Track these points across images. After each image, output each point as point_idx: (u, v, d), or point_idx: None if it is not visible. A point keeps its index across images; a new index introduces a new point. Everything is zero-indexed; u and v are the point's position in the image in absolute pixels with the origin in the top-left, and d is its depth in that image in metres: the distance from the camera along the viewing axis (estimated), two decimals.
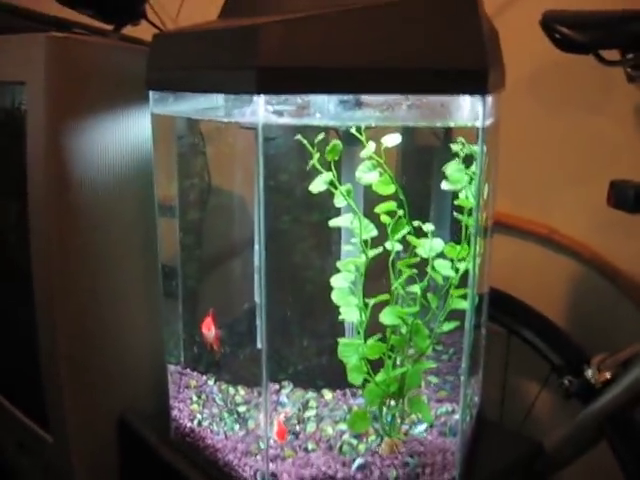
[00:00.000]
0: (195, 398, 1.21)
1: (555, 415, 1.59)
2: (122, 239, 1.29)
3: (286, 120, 0.89)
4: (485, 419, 1.29)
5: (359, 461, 1.05)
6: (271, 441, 1.08)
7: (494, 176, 1.18)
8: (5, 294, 1.58)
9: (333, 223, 0.97)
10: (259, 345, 1.09)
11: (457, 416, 1.17)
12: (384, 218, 0.99)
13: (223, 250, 1.32)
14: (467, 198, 0.98)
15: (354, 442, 1.11)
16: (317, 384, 1.29)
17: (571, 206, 1.56)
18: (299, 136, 0.93)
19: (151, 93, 1.06)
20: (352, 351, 1.00)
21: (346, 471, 1.03)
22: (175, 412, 1.20)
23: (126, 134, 1.25)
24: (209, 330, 1.14)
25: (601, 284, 1.54)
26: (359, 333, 1.01)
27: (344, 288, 0.97)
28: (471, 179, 0.97)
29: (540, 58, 1.53)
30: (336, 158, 0.94)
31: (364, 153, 0.98)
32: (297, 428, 1.16)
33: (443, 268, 1.02)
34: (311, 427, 1.16)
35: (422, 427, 1.15)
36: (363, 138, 0.97)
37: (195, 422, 1.17)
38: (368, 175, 1.00)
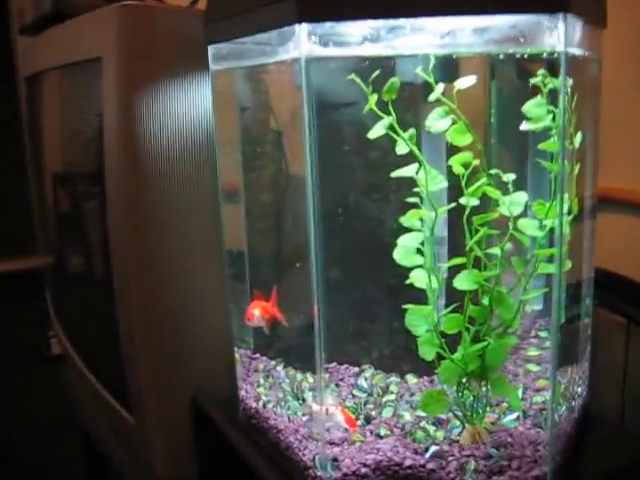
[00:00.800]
0: (262, 381, 1.13)
1: None
2: (198, 216, 1.24)
3: (333, 51, 0.80)
4: (595, 415, 1.12)
5: (433, 449, 0.92)
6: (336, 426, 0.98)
7: (593, 127, 1.02)
8: (89, 279, 1.61)
9: (396, 174, 0.86)
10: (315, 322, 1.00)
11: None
12: (457, 169, 0.87)
13: (291, 229, 1.24)
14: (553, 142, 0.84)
15: (431, 429, 0.98)
16: (403, 369, 1.17)
17: None
18: (353, 75, 0.83)
19: (209, 48, 1.01)
20: (421, 320, 0.88)
21: (417, 459, 0.91)
22: (242, 393, 1.13)
23: (200, 103, 1.21)
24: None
25: None
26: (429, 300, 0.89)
27: (409, 247, 0.85)
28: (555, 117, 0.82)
29: None
30: (393, 97, 0.83)
31: (432, 97, 0.86)
32: (372, 413, 1.05)
33: (528, 228, 0.87)
34: (387, 412, 1.05)
35: (513, 416, 1.01)
36: (431, 79, 0.86)
37: (260, 403, 1.09)
38: (439, 123, 0.88)
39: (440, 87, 0.86)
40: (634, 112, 1.35)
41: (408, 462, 0.90)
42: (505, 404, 1.02)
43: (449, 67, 0.94)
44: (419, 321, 0.88)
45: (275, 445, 1.02)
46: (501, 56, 0.88)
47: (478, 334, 0.92)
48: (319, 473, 0.91)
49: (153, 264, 1.24)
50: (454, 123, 0.89)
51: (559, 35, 0.76)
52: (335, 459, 0.92)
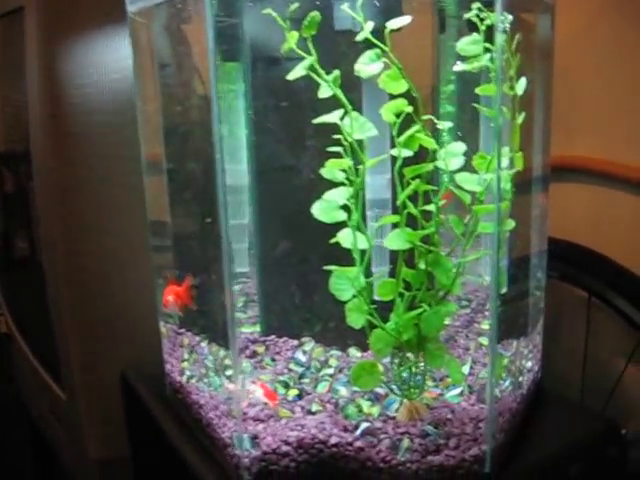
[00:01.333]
0: (186, 356, 1.05)
1: None
2: (124, 181, 1.15)
3: None
4: (550, 391, 1.04)
5: (363, 425, 0.84)
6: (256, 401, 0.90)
7: (545, 77, 0.94)
8: (31, 259, 1.52)
9: (318, 120, 0.77)
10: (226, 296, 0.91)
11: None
12: (387, 116, 0.78)
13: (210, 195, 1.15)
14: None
15: (366, 404, 0.90)
16: (347, 342, 1.09)
17: None
18: (269, 10, 0.74)
19: None
20: (347, 283, 0.79)
21: (344, 436, 0.83)
22: (168, 367, 1.05)
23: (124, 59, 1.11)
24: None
25: None
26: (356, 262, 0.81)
27: (331, 201, 0.77)
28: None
29: None
30: (313, 33, 0.74)
31: (360, 36, 0.78)
32: (307, 388, 0.97)
33: (467, 182, 0.79)
34: (323, 387, 0.97)
35: (456, 391, 0.93)
36: (360, 17, 0.77)
37: (184, 378, 1.01)
38: (369, 67, 0.79)
39: (369, 25, 0.77)
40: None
41: (334, 440, 0.82)
42: (450, 379, 0.94)
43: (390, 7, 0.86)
44: (345, 285, 0.79)
45: (198, 421, 0.94)
46: None
47: (415, 301, 0.84)
48: (237, 451, 0.83)
49: (79, 230, 1.16)
50: (388, 68, 0.80)
51: None
52: (255, 437, 0.84)
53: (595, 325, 1.28)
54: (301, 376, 1.00)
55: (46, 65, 1.09)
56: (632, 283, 1.16)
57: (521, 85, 0.79)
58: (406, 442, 0.82)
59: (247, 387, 0.89)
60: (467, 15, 0.73)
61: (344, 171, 0.77)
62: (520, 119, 0.80)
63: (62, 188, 1.12)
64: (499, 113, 0.72)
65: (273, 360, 1.05)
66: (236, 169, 1.02)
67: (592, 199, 1.37)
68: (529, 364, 1.00)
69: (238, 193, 1.04)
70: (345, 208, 0.79)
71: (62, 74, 1.09)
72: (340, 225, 0.79)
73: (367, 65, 0.80)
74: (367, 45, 0.80)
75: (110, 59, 1.10)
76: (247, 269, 1.17)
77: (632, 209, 1.31)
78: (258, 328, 1.13)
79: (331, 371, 1.01)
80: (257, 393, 0.87)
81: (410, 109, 0.79)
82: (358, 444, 0.82)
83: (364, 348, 1.05)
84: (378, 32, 0.78)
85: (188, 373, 1.01)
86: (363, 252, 0.81)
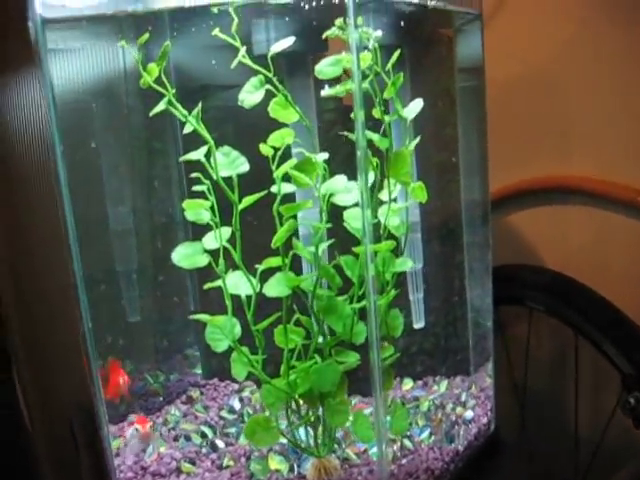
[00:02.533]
0: None
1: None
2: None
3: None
4: (504, 442, 0.93)
5: None
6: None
7: (470, 102, 0.85)
8: None
9: (184, 158, 0.71)
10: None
11: (425, 434, 0.85)
12: (265, 149, 0.72)
13: None
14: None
15: (277, 459, 0.83)
16: None
17: None
18: (123, 42, 0.69)
19: None
20: (220, 333, 0.72)
21: None
22: None
23: None
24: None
25: None
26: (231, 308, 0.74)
27: (195, 245, 0.70)
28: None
29: None
30: (163, 64, 0.68)
31: (234, 63, 0.72)
32: (230, 439, 0.90)
33: (353, 219, 0.71)
34: (244, 438, 0.90)
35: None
36: (237, 41, 0.71)
37: None
38: (252, 96, 0.73)
39: (243, 50, 0.71)
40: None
41: None
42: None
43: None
44: (219, 335, 0.72)
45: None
46: None
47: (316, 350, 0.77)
48: None
49: None
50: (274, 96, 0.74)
51: None
52: None
53: (584, 363, 1.15)
54: (228, 425, 0.94)
55: None
56: (619, 325, 1.03)
57: (413, 107, 0.71)
58: None
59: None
60: (327, 33, 0.66)
61: (212, 211, 0.70)
62: (411, 145, 0.71)
63: None
64: (362, 139, 0.64)
65: (205, 407, 0.99)
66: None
67: (589, 222, 1.24)
68: (469, 413, 0.89)
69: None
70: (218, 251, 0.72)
71: None
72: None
73: (250, 94, 0.74)
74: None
75: None
76: None
77: (631, 233, 1.17)
78: (199, 370, 1.08)
79: None
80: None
81: (290, 140, 0.72)
82: None
83: None
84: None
85: None
86: (250, 298, 0.74)
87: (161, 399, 1.01)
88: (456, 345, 0.90)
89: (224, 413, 0.98)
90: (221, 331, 0.72)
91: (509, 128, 1.28)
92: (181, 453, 0.86)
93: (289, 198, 0.73)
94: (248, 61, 0.71)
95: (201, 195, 0.71)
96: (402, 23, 0.76)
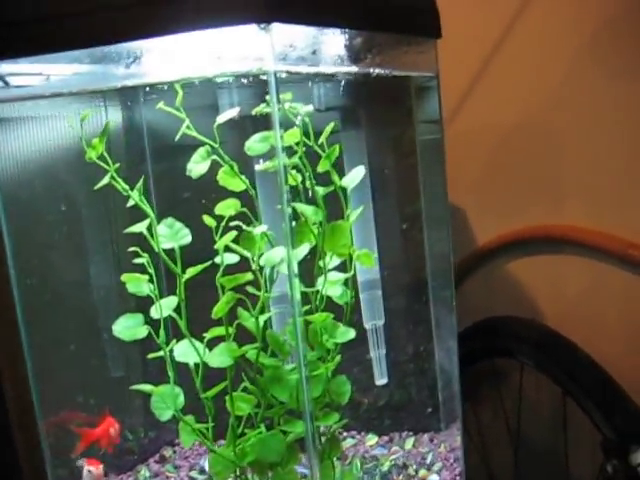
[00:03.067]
0: None
1: None
2: None
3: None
4: None
5: None
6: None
7: (425, 163, 0.84)
8: None
9: (128, 230, 0.72)
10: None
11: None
12: (208, 220, 0.72)
13: None
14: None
15: None
16: None
17: None
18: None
19: None
20: (165, 402, 0.72)
21: None
22: None
23: None
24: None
25: None
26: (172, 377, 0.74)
27: (135, 316, 0.71)
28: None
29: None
30: (104, 140, 0.70)
31: (179, 134, 0.73)
32: None
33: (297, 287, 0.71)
34: None
35: None
36: (181, 113, 0.72)
37: None
38: (199, 166, 0.74)
39: (186, 122, 0.72)
40: None
41: None
42: None
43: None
44: (163, 404, 0.72)
45: None
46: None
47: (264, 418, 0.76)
48: None
49: None
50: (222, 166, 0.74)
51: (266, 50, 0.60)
52: None
53: (575, 418, 1.11)
54: None
55: None
56: (602, 386, 0.99)
57: (355, 176, 0.70)
58: None
59: None
60: (257, 109, 0.66)
61: (152, 283, 0.71)
62: (353, 215, 0.71)
63: None
64: (287, 211, 0.63)
65: (176, 467, 0.99)
66: None
67: (582, 272, 1.21)
68: (434, 478, 0.87)
69: None
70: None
71: None
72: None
73: (198, 164, 0.74)
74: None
75: None
76: None
77: (623, 284, 1.14)
78: None
79: None
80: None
81: (237, 209, 0.73)
82: None
83: None
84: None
85: None
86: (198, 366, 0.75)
87: (135, 457, 1.01)
88: (422, 402, 0.88)
89: (194, 474, 0.97)
90: (164, 401, 0.72)
91: (502, 177, 1.27)
92: None
93: (233, 268, 0.73)
94: (193, 132, 0.73)
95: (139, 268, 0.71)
96: (352, 89, 0.77)
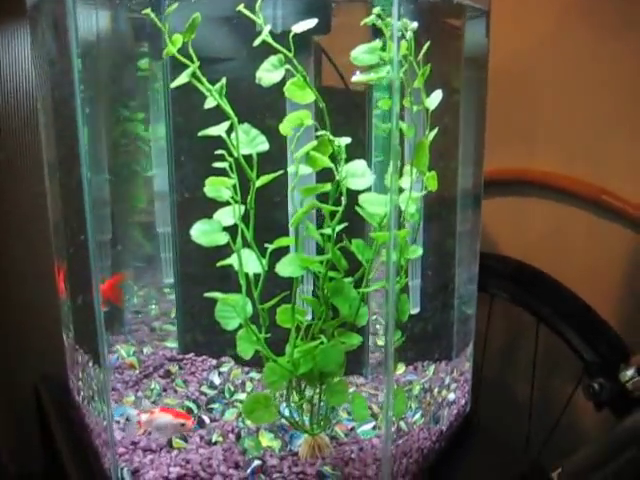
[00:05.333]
0: (80, 375, 0.98)
1: (590, 421, 1.21)
2: (29, 191, 1.09)
3: None
4: (480, 427, 0.97)
5: (255, 464, 0.78)
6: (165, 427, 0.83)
7: (473, 92, 0.87)
8: None
9: (203, 133, 0.70)
10: None
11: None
12: (285, 129, 0.72)
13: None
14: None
15: (268, 437, 0.84)
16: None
17: (625, 162, 1.19)
18: (148, 10, 0.67)
19: None
20: (232, 311, 0.72)
21: (231, 475, 0.76)
22: (70, 384, 0.99)
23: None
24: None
25: None
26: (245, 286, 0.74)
27: (213, 222, 0.70)
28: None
29: None
30: (192, 37, 0.67)
31: (257, 41, 0.71)
32: (215, 414, 0.90)
33: (372, 204, 0.72)
34: (231, 414, 0.91)
35: (368, 426, 0.86)
36: (260, 19, 0.70)
37: (80, 398, 0.94)
38: (271, 74, 0.72)
39: (267, 28, 0.70)
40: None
41: (218, 478, 0.76)
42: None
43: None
44: (230, 313, 0.72)
45: (90, 446, 0.88)
46: None
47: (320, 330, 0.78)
48: None
49: None
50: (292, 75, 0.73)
51: None
52: (136, 470, 0.78)
53: (546, 350, 1.21)
54: (210, 401, 0.94)
55: None
56: (584, 314, 1.09)
57: (434, 98, 0.72)
58: None
59: (136, 418, 0.82)
60: (365, 20, 0.66)
61: (233, 188, 0.70)
62: (431, 136, 0.73)
63: None
64: (395, 128, 0.65)
65: (185, 382, 0.99)
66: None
67: (551, 215, 1.30)
68: (452, 396, 0.93)
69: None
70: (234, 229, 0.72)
71: None
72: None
73: (269, 72, 0.73)
74: None
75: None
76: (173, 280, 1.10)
77: (588, 228, 1.24)
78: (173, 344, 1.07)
79: (244, 396, 0.95)
80: (161, 419, 0.80)
81: (310, 122, 0.72)
82: None
83: None
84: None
85: (82, 393, 0.94)
86: (258, 276, 0.74)
87: (137, 372, 1.00)
88: (443, 331, 0.93)
89: (204, 388, 0.97)
90: (233, 309, 0.71)
91: None
92: None
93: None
94: (270, 40, 0.71)
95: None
96: (423, 15, 0.77)
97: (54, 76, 0.83)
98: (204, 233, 0.69)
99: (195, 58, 0.68)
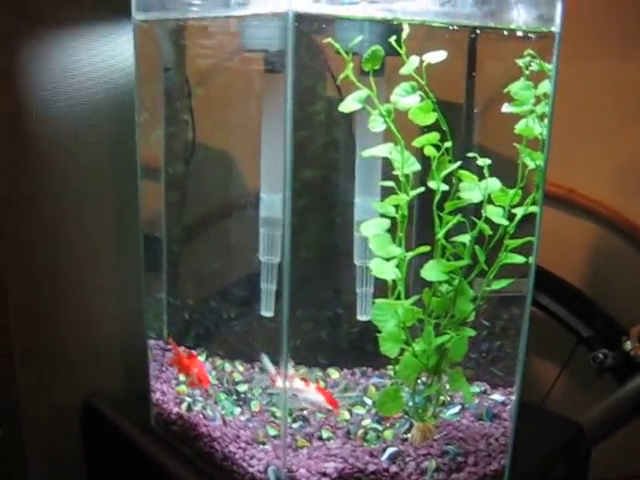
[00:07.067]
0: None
1: (578, 395, 1.43)
2: (89, 194, 1.06)
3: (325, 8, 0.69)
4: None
5: (390, 450, 0.86)
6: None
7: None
8: None
9: (367, 153, 0.77)
10: (264, 311, 0.91)
11: (497, 397, 1.01)
12: (429, 150, 0.80)
13: (214, 209, 1.11)
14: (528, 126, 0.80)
15: (380, 428, 0.92)
16: (320, 362, 1.10)
17: (592, 163, 1.40)
18: (330, 39, 0.73)
19: None
20: (389, 314, 0.80)
21: (377, 463, 0.84)
22: (157, 395, 0.99)
23: (107, 60, 1.02)
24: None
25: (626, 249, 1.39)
26: (394, 293, 0.82)
27: (384, 237, 0.77)
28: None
29: None
30: (377, 67, 0.74)
31: (404, 69, 0.79)
32: (305, 413, 0.96)
33: (495, 215, 0.83)
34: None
35: (454, 409, 0.98)
36: (403, 51, 0.78)
37: (183, 407, 0.96)
38: (406, 99, 0.80)
39: (414, 60, 0.78)
40: None
41: (371, 467, 0.83)
42: (442, 397, 0.98)
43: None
44: (387, 316, 0.80)
45: (207, 456, 0.90)
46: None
47: (437, 327, 0.87)
48: None
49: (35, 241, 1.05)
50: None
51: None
52: (290, 469, 0.83)
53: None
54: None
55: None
56: (571, 292, 1.28)
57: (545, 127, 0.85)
58: (433, 463, 0.85)
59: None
60: (520, 61, 0.77)
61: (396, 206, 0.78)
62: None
63: (17, 199, 1.01)
64: (547, 155, 0.77)
65: None
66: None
67: None
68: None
69: None
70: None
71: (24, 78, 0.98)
72: None
73: (403, 97, 0.81)
74: None
75: (84, 62, 1.00)
76: None
77: (564, 227, 1.42)
78: None
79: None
80: (313, 397, 0.85)
81: (449, 144, 0.82)
82: (393, 469, 0.83)
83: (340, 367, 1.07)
84: None
85: (189, 399, 0.96)
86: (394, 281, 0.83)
87: None
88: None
89: None
90: (391, 312, 0.80)
91: None
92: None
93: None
94: (411, 71, 0.79)
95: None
96: None
97: None
98: (381, 246, 0.76)
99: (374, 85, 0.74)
